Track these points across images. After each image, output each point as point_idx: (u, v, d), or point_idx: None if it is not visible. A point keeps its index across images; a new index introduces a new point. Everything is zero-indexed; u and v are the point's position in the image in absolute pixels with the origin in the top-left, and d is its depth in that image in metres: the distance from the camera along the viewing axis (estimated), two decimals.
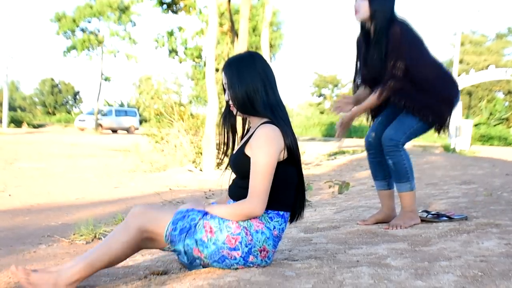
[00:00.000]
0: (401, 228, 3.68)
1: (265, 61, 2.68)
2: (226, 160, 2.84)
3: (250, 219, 2.49)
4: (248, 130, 2.80)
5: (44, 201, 7.12)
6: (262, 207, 2.44)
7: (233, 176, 2.74)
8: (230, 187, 2.73)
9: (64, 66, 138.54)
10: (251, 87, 2.56)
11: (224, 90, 2.69)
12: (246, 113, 2.64)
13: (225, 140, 2.79)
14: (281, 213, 2.57)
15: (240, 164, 2.59)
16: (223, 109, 2.80)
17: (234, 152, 2.70)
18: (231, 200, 2.67)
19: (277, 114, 2.57)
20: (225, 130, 2.78)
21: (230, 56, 2.88)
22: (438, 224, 3.73)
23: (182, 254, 2.51)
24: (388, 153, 3.83)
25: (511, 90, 51.16)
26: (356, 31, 4.02)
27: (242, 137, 2.81)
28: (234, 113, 2.70)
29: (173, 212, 2.53)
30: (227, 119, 2.78)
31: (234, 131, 2.80)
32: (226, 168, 2.82)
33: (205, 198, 7.36)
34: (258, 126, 2.54)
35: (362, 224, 4.04)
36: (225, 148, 2.79)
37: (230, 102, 2.65)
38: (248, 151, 2.54)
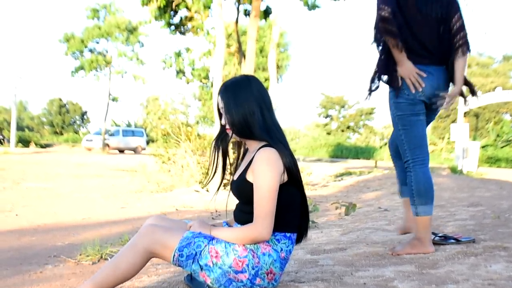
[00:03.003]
0: (398, 255, 3.58)
1: (260, 83, 2.69)
2: (209, 180, 2.82)
3: (257, 243, 2.49)
4: (244, 154, 2.80)
5: (51, 221, 7.13)
6: (269, 231, 2.44)
7: (236, 200, 2.74)
8: (234, 212, 2.73)
9: (72, 86, 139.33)
10: (247, 110, 2.57)
11: (220, 114, 2.70)
12: (244, 136, 2.64)
13: (214, 162, 2.77)
14: (288, 234, 2.57)
15: (243, 190, 2.59)
16: None
17: (236, 178, 2.69)
18: (237, 224, 2.67)
19: (274, 136, 2.57)
20: (216, 154, 2.77)
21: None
22: (446, 246, 3.71)
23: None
24: (407, 173, 3.75)
25: None
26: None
27: (237, 160, 2.81)
28: (230, 136, 2.70)
29: (181, 234, 2.53)
30: (219, 143, 2.77)
31: (225, 155, 2.79)
32: (218, 190, 2.81)
33: (212, 219, 7.36)
34: (257, 151, 2.54)
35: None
36: (212, 169, 2.77)
37: (227, 126, 2.65)
38: (249, 177, 2.54)
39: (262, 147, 2.55)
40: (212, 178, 2.80)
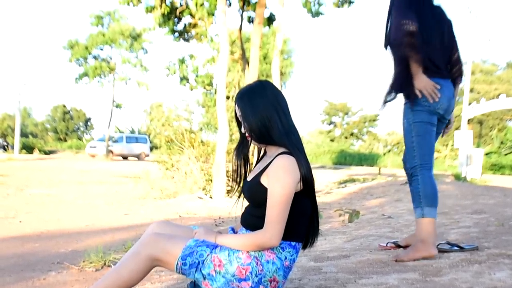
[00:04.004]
0: (403, 262, 3.57)
1: (275, 88, 2.69)
2: (238, 188, 2.83)
3: (265, 249, 2.48)
4: (262, 157, 2.80)
5: (54, 227, 7.13)
6: (278, 238, 2.43)
7: (245, 204, 2.73)
8: (242, 215, 2.72)
9: (76, 93, 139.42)
10: (265, 115, 2.57)
11: (239, 122, 2.71)
12: (263, 142, 2.64)
13: (238, 170, 2.79)
14: (293, 243, 2.56)
15: (255, 193, 2.58)
16: (233, 137, 2.81)
17: (249, 179, 2.69)
18: (243, 228, 2.66)
19: (292, 142, 2.57)
20: (240, 161, 2.79)
21: (241, 83, 2.90)
22: (450, 254, 3.70)
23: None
24: (410, 179, 3.84)
25: None
26: None
27: (256, 163, 2.81)
28: (250, 143, 2.71)
29: (185, 242, 2.52)
30: (241, 150, 2.79)
31: (246, 162, 2.80)
32: (239, 196, 2.81)
33: (215, 225, 7.35)
34: (276, 156, 2.54)
35: (390, 247, 4.15)
36: (236, 177, 2.80)
37: (247, 134, 2.66)
38: (264, 180, 2.53)
39: (281, 153, 2.55)
40: (239, 186, 2.81)
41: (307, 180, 2.53)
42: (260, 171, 2.61)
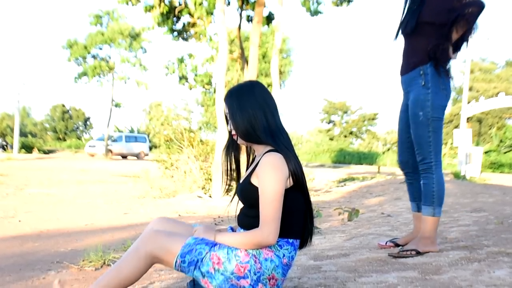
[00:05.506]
0: (411, 255, 3.65)
1: (264, 88, 2.71)
2: (233, 187, 2.84)
3: (262, 247, 2.48)
4: (253, 159, 2.81)
5: (54, 227, 7.12)
6: (275, 236, 2.43)
7: (241, 205, 2.73)
8: (238, 216, 2.73)
9: (75, 92, 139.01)
10: (251, 114, 2.58)
11: (227, 120, 2.72)
12: (249, 140, 2.65)
13: (229, 169, 2.80)
14: (291, 240, 2.56)
15: (247, 193, 2.59)
16: None
17: (241, 181, 2.69)
18: (240, 229, 2.67)
19: (278, 141, 2.58)
20: (229, 160, 2.80)
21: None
22: (449, 252, 3.70)
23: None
24: (422, 174, 3.86)
25: None
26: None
27: (248, 166, 2.81)
28: (237, 141, 2.72)
29: (184, 239, 2.53)
30: (230, 149, 2.81)
31: (237, 161, 2.81)
32: (233, 197, 2.82)
33: (215, 224, 7.34)
34: (263, 155, 2.54)
35: (389, 246, 4.17)
36: (229, 177, 2.80)
37: (233, 132, 2.68)
38: (254, 180, 2.54)
39: (267, 151, 2.55)
40: (228, 186, 2.82)
41: (296, 175, 2.54)
42: (250, 171, 2.63)
